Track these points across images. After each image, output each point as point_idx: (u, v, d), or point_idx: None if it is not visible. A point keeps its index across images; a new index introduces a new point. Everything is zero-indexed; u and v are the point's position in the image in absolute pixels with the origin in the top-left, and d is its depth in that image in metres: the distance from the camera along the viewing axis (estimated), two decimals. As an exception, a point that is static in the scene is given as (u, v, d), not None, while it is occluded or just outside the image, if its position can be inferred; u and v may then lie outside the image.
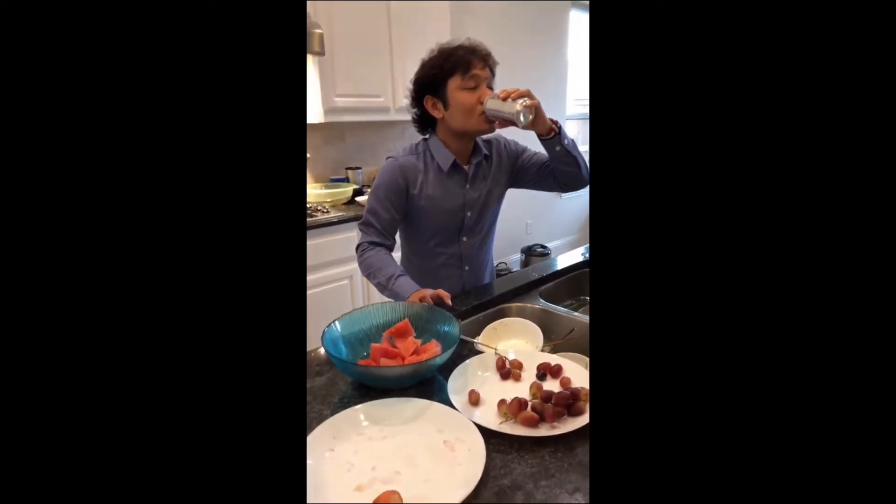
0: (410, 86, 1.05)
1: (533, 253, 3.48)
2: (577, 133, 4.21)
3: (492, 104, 0.95)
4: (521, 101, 0.92)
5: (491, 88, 1.00)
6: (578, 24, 3.72)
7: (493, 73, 1.00)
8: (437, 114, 1.02)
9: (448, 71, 0.97)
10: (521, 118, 0.92)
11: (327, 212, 2.05)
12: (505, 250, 3.51)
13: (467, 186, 1.08)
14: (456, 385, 0.70)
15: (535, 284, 1.17)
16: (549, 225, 3.91)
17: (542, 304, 1.08)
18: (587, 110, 4.23)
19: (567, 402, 0.63)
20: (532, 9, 3.25)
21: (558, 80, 3.64)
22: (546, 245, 3.59)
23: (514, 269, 3.51)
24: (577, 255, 1.37)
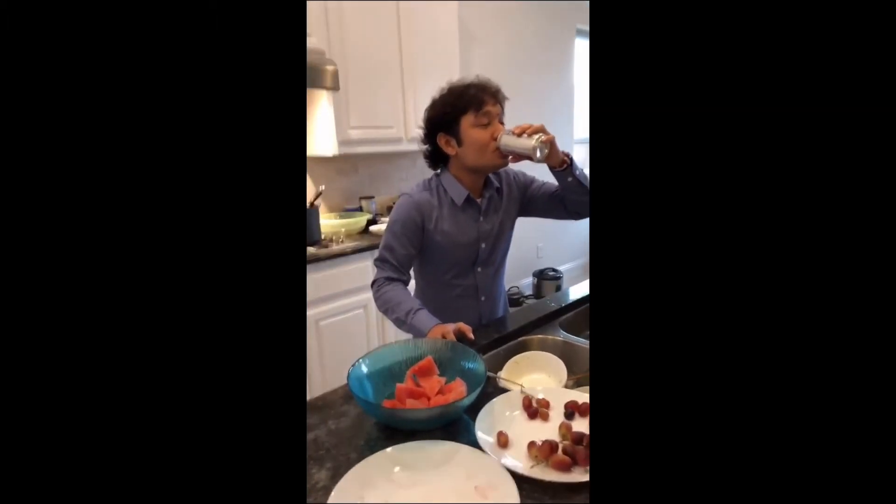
0: (422, 123, 1.07)
1: (545, 277, 3.47)
2: (585, 156, 4.24)
3: (507, 140, 0.97)
4: (536, 136, 0.93)
5: (502, 123, 1.02)
6: (583, 52, 3.79)
7: (503, 109, 1.03)
8: (450, 151, 1.03)
9: (461, 109, 0.99)
10: (538, 154, 0.94)
11: (342, 241, 2.07)
12: (516, 275, 3.50)
13: (481, 219, 1.09)
14: (483, 426, 0.69)
15: (555, 315, 1.17)
16: (559, 248, 3.90)
17: (563, 335, 1.07)
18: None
19: (599, 445, 0.61)
20: (539, 39, 3.33)
21: (566, 105, 3.69)
22: (557, 269, 3.57)
23: (527, 294, 3.49)
24: (595, 283, 1.36)
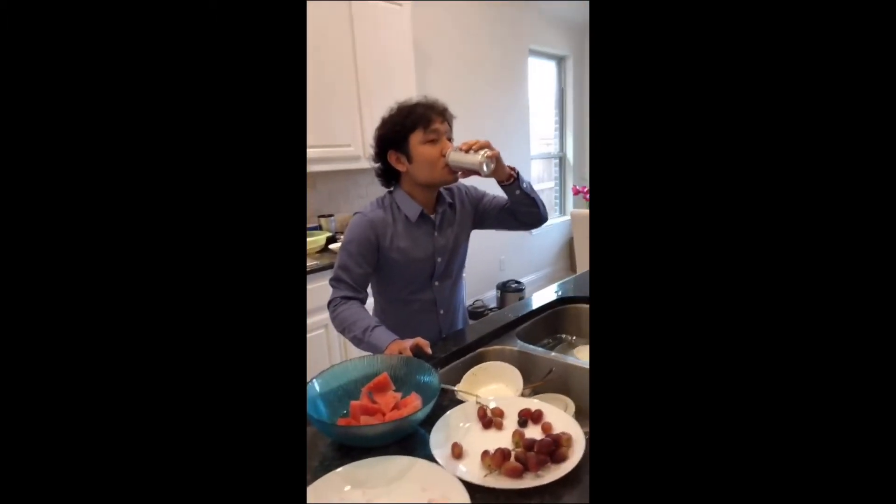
0: (372, 142, 1.08)
1: (507, 289, 3.52)
2: (542, 171, 4.37)
3: (455, 156, 1.00)
4: (482, 152, 0.97)
5: (450, 140, 1.05)
6: (535, 71, 3.93)
7: (450, 126, 1.06)
8: (401, 168, 1.05)
9: (409, 127, 1.01)
10: (485, 168, 0.97)
11: (300, 261, 2.04)
12: (480, 288, 3.53)
13: (436, 234, 1.11)
14: (438, 438, 0.70)
15: (512, 325, 1.19)
16: (521, 261, 3.97)
17: (519, 345, 1.09)
18: (550, 149, 4.41)
19: (550, 450, 0.63)
20: (493, 60, 3.43)
21: (521, 122, 3.80)
22: (520, 281, 3.63)
23: (491, 306, 3.52)
24: (551, 293, 1.39)
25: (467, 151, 0.98)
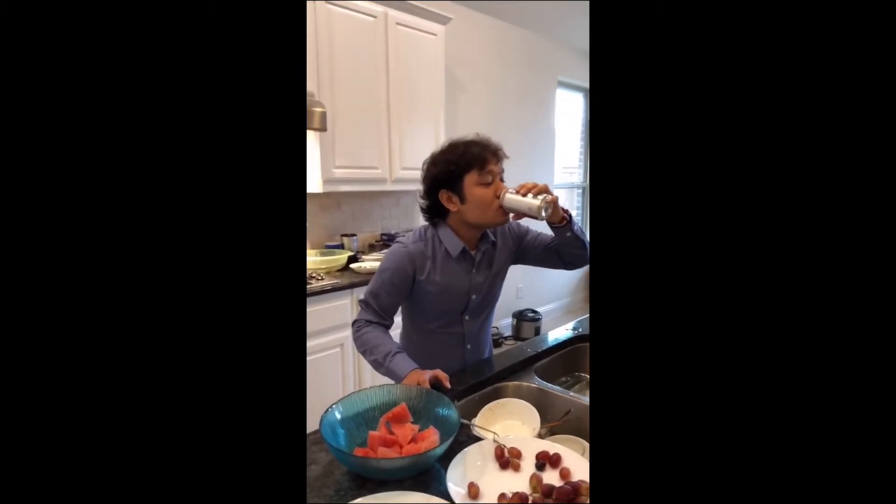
0: (422, 180, 1.07)
1: (524, 318, 3.49)
2: (564, 200, 4.37)
3: (511, 199, 0.98)
4: (542, 197, 0.96)
5: (502, 181, 1.04)
6: (563, 102, 3.98)
7: (502, 166, 1.05)
8: (452, 207, 1.04)
9: (464, 167, 1.00)
10: (543, 213, 0.96)
11: (321, 279, 2.07)
12: (496, 315, 3.50)
13: (473, 271, 1.10)
14: (455, 476, 0.69)
15: (531, 361, 1.18)
16: (539, 290, 3.95)
17: (537, 382, 1.08)
18: (573, 179, 4.42)
19: (569, 498, 0.62)
20: (522, 89, 3.48)
21: (546, 151, 3.83)
22: (537, 310, 3.60)
23: (506, 334, 3.49)
24: (567, 329, 1.38)
25: (525, 195, 0.97)
